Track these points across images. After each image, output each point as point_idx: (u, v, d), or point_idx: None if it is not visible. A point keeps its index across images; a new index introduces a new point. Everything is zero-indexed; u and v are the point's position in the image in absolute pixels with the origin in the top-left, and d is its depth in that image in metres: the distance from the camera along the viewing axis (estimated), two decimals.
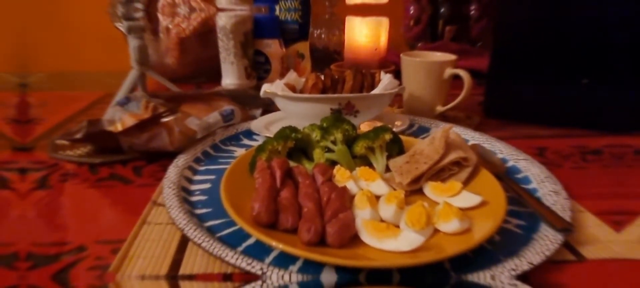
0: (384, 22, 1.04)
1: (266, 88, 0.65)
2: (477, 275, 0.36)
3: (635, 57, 0.67)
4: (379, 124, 0.63)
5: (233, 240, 0.41)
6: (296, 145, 0.53)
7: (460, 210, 0.41)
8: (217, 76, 0.91)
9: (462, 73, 0.71)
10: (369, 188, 0.46)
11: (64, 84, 1.14)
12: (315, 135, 0.54)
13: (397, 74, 0.74)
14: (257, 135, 0.67)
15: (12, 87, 1.11)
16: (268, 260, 0.38)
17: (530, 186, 0.52)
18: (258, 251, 0.39)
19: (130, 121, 0.64)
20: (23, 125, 0.79)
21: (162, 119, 0.63)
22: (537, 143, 0.67)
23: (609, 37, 0.67)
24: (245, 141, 0.67)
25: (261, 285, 0.36)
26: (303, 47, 0.97)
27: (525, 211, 0.46)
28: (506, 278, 0.36)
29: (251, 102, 0.78)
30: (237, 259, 0.38)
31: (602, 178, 0.57)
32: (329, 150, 0.53)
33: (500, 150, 0.61)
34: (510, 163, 0.58)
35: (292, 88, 0.67)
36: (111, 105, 0.72)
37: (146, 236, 0.43)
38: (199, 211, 0.47)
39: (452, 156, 0.50)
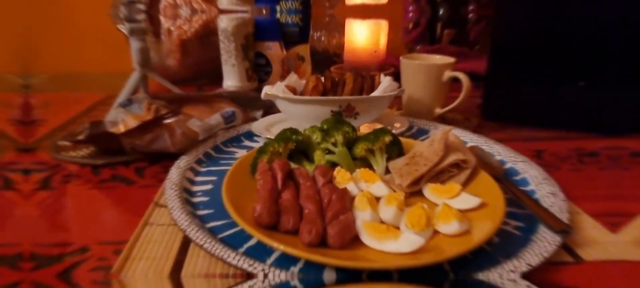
0: (384, 24, 1.05)
1: (267, 90, 0.65)
2: (477, 276, 0.37)
3: (632, 59, 0.68)
4: (378, 126, 0.63)
5: (235, 241, 0.41)
6: (297, 147, 0.54)
7: (460, 212, 0.42)
8: (218, 78, 0.92)
9: (460, 76, 0.71)
10: (369, 190, 0.47)
11: (66, 85, 1.15)
12: (316, 137, 0.54)
13: (397, 77, 0.74)
14: (258, 136, 0.67)
15: (16, 88, 1.11)
16: (269, 261, 0.39)
17: (529, 188, 0.52)
18: (259, 252, 0.40)
19: (132, 123, 0.64)
20: (26, 126, 0.80)
21: (164, 120, 0.63)
22: (535, 145, 0.68)
23: (606, 40, 0.67)
24: (247, 143, 0.67)
25: (262, 286, 0.36)
26: (303, 49, 0.98)
27: (523, 213, 0.46)
28: (506, 278, 0.36)
29: (252, 104, 0.79)
30: (238, 260, 0.38)
31: (599, 180, 0.58)
32: (330, 152, 0.53)
33: (499, 152, 0.61)
34: (508, 165, 0.58)
35: (293, 90, 0.67)
36: (113, 106, 0.72)
37: (148, 237, 0.43)
38: (200, 212, 0.47)
39: (452, 158, 0.51)
